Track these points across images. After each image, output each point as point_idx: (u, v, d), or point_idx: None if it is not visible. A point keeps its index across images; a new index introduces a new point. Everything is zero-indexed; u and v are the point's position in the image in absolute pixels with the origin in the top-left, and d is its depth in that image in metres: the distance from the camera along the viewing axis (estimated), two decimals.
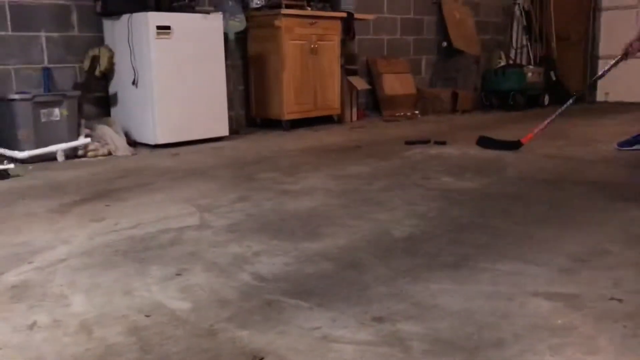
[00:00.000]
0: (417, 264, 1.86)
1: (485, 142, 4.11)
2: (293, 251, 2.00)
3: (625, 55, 3.93)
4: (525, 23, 7.80)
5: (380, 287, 1.68)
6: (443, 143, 4.29)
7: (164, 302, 1.60)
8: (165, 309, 1.56)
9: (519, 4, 7.81)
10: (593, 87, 7.76)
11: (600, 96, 7.63)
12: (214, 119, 4.58)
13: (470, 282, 1.71)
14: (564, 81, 7.67)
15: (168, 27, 4.21)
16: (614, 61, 4.02)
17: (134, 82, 4.28)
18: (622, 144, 3.99)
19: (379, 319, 1.47)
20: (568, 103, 4.08)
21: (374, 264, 1.87)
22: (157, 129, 4.28)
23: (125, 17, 4.23)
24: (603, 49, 7.73)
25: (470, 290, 1.65)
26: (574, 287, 1.66)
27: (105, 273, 1.83)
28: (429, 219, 2.39)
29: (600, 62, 7.74)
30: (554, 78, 7.54)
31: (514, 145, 4.00)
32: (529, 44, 7.80)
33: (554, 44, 7.80)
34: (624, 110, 6.22)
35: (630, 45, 3.87)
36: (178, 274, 1.80)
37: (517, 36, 7.82)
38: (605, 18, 7.67)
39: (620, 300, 1.56)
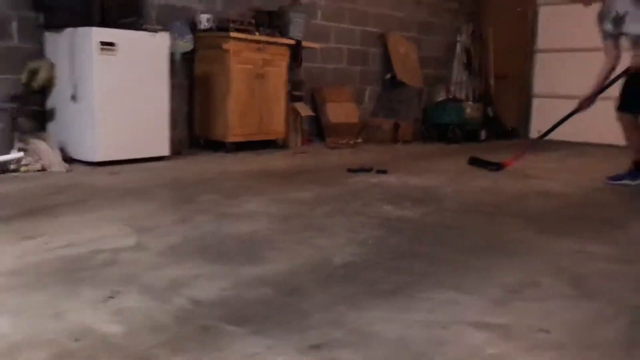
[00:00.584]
0: (356, 291, 1.87)
1: (474, 162, 4.82)
2: (232, 276, 1.97)
3: (578, 110, 4.22)
4: (465, 60, 8.11)
5: (318, 313, 1.68)
6: (384, 172, 4.37)
7: (95, 326, 1.54)
8: (96, 333, 1.51)
9: (460, 41, 8.13)
10: (527, 124, 8.14)
11: (533, 133, 7.99)
12: (155, 138, 4.50)
13: (408, 310, 1.74)
14: (500, 117, 8.01)
15: (112, 44, 4.13)
16: (567, 114, 4.31)
17: (74, 97, 4.16)
18: (612, 178, 4.18)
19: (316, 347, 1.47)
20: (544, 133, 4.56)
21: (313, 291, 1.87)
22: (96, 146, 4.16)
23: (68, 30, 4.13)
24: (538, 88, 8.13)
25: (407, 319, 1.67)
26: (506, 317, 1.71)
27: (34, 294, 1.75)
28: (369, 246, 2.41)
29: (535, 101, 8.13)
30: (491, 114, 7.87)
31: (497, 167, 4.58)
32: (468, 80, 8.10)
33: (492, 82, 8.15)
34: (554, 148, 6.52)
35: (583, 101, 4.14)
36: (111, 297, 1.75)
37: (458, 72, 8.12)
38: (540, 59, 8.08)
39: (547, 331, 1.62)
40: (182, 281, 1.90)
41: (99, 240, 2.32)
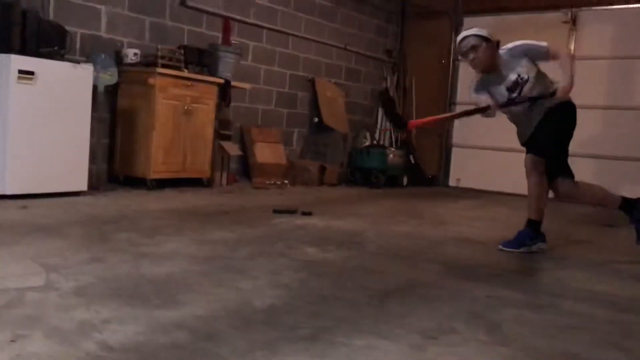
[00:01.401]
0: (276, 336, 1.84)
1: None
2: (146, 319, 1.89)
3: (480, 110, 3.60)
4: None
5: (236, 359, 1.63)
6: (309, 214, 4.38)
7: None
8: None
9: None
10: (446, 172, 8.46)
11: (452, 181, 8.32)
12: (73, 172, 4.33)
13: (327, 356, 1.72)
14: (421, 165, 8.31)
15: (31, 73, 3.98)
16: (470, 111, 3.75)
17: None
18: (507, 245, 3.59)
19: None
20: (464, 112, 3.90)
21: (231, 335, 1.82)
22: (6, 178, 3.94)
23: None
24: (456, 138, 8.50)
25: None
26: None
27: None
28: (290, 289, 2.39)
29: (454, 150, 8.50)
30: (412, 161, 8.15)
31: (402, 125, 4.60)
32: (392, 128, 8.38)
33: (413, 130, 8.46)
34: (473, 196, 6.81)
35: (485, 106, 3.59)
36: (13, 340, 1.63)
37: (382, 120, 8.39)
38: (459, 110, 8.48)
39: None
40: (93, 324, 1.80)
41: (3, 279, 2.17)
